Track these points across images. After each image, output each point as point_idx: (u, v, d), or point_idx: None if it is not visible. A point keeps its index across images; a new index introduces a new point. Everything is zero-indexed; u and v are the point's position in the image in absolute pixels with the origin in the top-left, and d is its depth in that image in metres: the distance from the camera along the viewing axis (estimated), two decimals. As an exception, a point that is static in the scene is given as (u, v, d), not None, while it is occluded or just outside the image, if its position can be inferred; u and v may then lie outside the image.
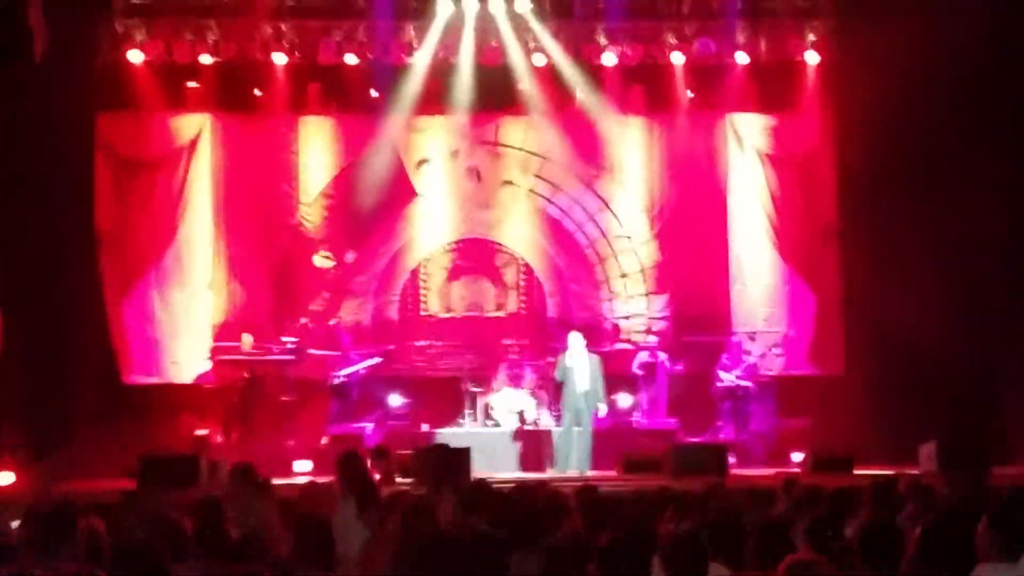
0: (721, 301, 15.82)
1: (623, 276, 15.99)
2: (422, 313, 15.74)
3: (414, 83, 15.25)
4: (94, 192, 14.75)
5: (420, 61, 15.16)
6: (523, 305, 15.89)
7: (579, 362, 12.90)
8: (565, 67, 15.37)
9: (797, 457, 13.13)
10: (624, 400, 14.34)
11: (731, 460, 12.75)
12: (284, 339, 14.26)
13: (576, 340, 12.99)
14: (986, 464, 10.74)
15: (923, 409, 14.14)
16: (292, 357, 14.02)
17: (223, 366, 14.21)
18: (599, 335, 15.71)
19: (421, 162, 15.90)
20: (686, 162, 15.98)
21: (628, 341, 15.65)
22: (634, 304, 15.95)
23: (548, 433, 13.53)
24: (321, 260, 15.56)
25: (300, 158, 15.66)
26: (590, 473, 12.60)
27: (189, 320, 15.14)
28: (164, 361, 15.01)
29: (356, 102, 15.54)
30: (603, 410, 13.17)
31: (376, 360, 14.35)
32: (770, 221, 15.86)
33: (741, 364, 14.26)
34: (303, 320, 15.09)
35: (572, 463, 12.69)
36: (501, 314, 15.88)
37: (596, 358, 13.15)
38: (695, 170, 15.98)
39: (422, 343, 15.58)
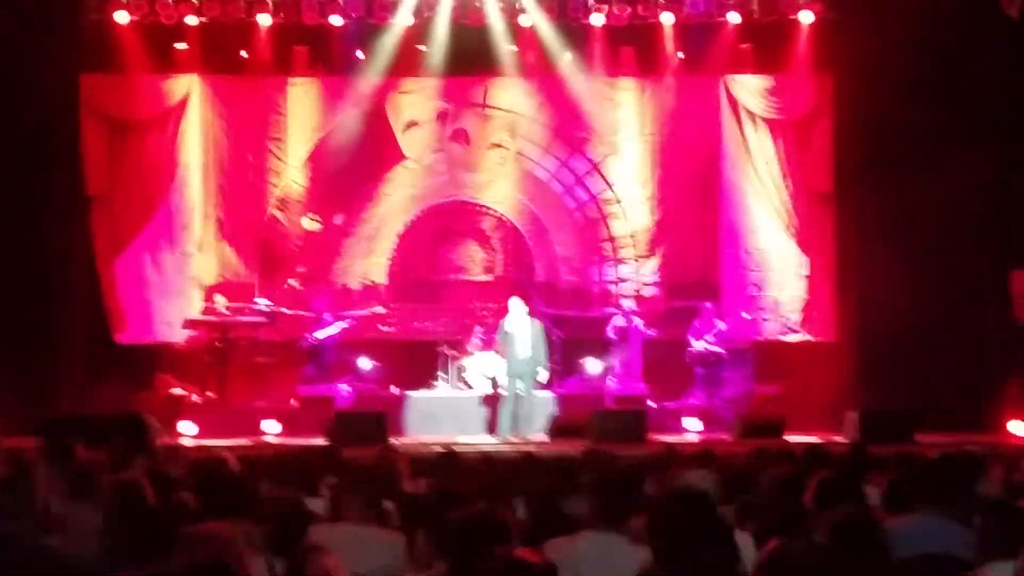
0: (712, 266, 15.59)
1: (612, 240, 15.81)
2: (408, 276, 15.70)
3: (399, 45, 15.14)
4: (83, 153, 14.87)
5: (404, 22, 15.03)
6: (510, 269, 15.78)
7: (520, 327, 12.73)
8: (552, 28, 15.15)
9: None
10: (593, 366, 14.18)
11: (698, 426, 12.65)
12: (258, 300, 14.29)
13: (516, 305, 12.84)
14: (907, 432, 10.75)
15: (911, 376, 13.96)
16: (263, 319, 14.05)
17: (198, 327, 14.29)
18: (587, 300, 15.62)
19: (408, 124, 15.81)
20: (677, 125, 15.72)
21: (617, 306, 15.47)
22: (623, 268, 15.77)
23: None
24: (309, 222, 15.58)
25: (287, 120, 15.65)
26: (516, 439, 12.47)
27: (180, 281, 15.25)
28: (156, 322, 15.13)
29: (342, 64, 15.47)
30: (543, 376, 13.05)
31: (349, 323, 14.32)
32: (763, 185, 15.54)
33: (713, 330, 14.02)
34: (290, 281, 15.15)
35: (514, 428, 12.58)
36: (488, 278, 15.80)
37: (538, 323, 13.00)
38: (686, 133, 15.71)
39: (405, 306, 15.56)
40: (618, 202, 15.78)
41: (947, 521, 4.59)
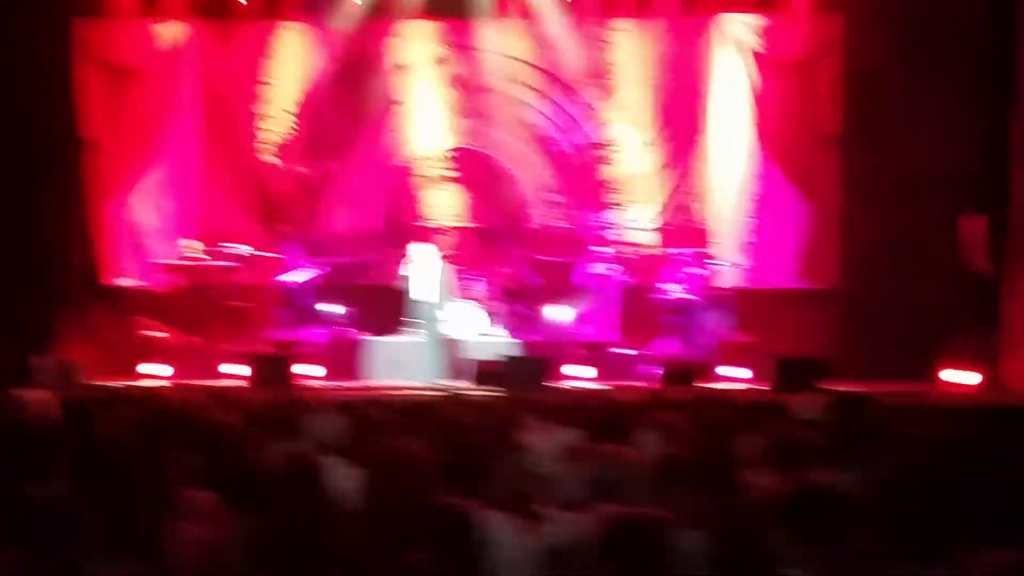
0: (710, 212, 15.09)
1: (608, 186, 15.39)
2: (399, 222, 15.52)
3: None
4: (75, 97, 14.99)
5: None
6: (502, 216, 15.49)
7: (422, 272, 12.38)
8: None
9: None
10: (563, 312, 13.85)
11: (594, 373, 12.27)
12: (232, 245, 14.28)
13: (419, 250, 12.51)
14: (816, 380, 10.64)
15: (910, 325, 13.39)
16: (237, 264, 14.05)
17: (172, 271, 14.37)
18: (582, 245, 15.24)
19: (401, 68, 15.58)
20: (675, 67, 15.20)
21: (617, 252, 15.05)
22: (619, 214, 15.35)
23: (460, 343, 13.23)
24: (300, 168, 15.51)
25: (280, 64, 15.56)
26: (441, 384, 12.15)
27: (171, 226, 15.33)
28: (145, 266, 15.25)
29: (333, 7, 15.27)
30: (447, 321, 12.77)
31: (324, 270, 14.23)
32: (764, 129, 14.94)
33: (690, 276, 13.53)
34: (277, 228, 15.13)
35: (426, 373, 12.32)
36: (480, 224, 15.52)
37: (445, 267, 12.64)
38: (684, 75, 15.19)
39: (396, 252, 15.38)
40: (614, 146, 15.34)
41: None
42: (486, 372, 11.58)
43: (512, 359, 11.62)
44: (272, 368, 11.12)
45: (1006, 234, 12.44)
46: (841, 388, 10.00)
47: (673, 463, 4.21)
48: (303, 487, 3.77)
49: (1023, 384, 11.96)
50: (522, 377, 10.59)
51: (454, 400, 7.08)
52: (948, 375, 12.53)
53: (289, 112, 15.51)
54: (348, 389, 9.67)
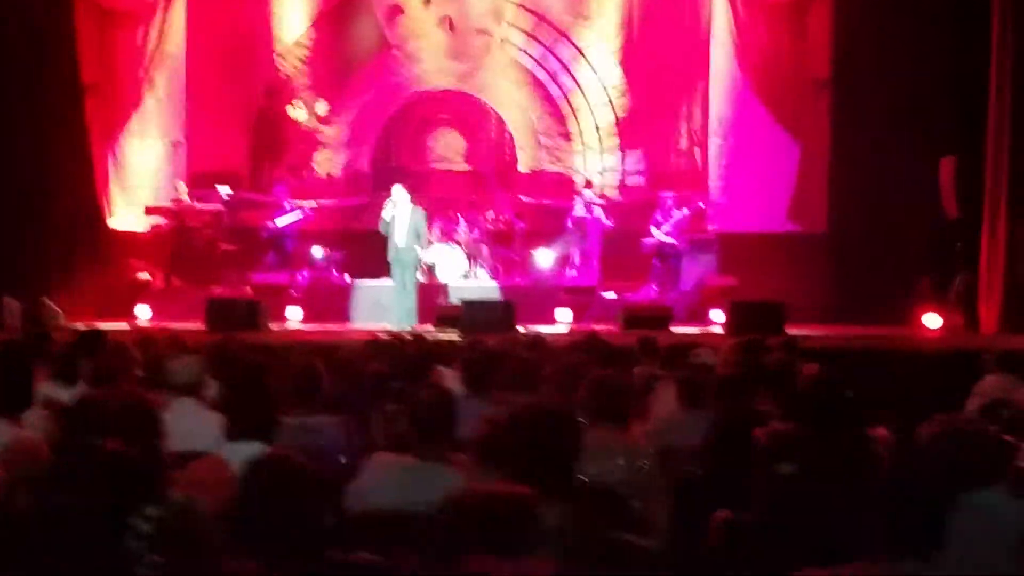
0: (698, 156, 15.07)
1: (597, 129, 15.37)
2: (390, 165, 15.60)
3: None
4: (76, 41, 15.06)
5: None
6: (493, 159, 15.53)
7: (400, 215, 12.45)
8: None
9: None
10: (546, 257, 13.92)
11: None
12: (219, 187, 14.41)
13: (399, 193, 12.55)
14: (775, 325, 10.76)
15: (893, 270, 13.40)
16: (223, 207, 14.20)
17: (160, 214, 14.55)
18: (571, 189, 15.28)
19: (394, 10, 15.54)
20: (666, 9, 15.09)
21: (602, 196, 15.10)
22: (608, 159, 15.36)
23: (445, 287, 13.34)
24: (293, 111, 15.58)
25: (274, 7, 15.56)
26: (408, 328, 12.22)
27: (169, 169, 15.46)
28: (138, 207, 15.38)
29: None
30: (421, 265, 12.87)
31: (305, 213, 14.35)
32: (753, 71, 14.85)
33: (670, 220, 13.54)
34: (271, 171, 15.25)
35: (400, 318, 12.42)
36: (471, 168, 15.59)
37: (419, 211, 12.67)
38: (675, 18, 15.11)
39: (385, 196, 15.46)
40: (604, 89, 15.30)
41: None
42: (446, 316, 11.69)
43: (470, 304, 11.71)
44: (227, 311, 11.29)
45: (983, 177, 12.38)
46: (800, 332, 10.09)
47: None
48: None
49: (996, 327, 11.96)
50: (481, 322, 10.66)
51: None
52: (927, 319, 12.52)
53: (282, 54, 15.54)
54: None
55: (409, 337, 7.80)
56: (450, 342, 7.54)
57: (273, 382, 4.48)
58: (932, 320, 12.49)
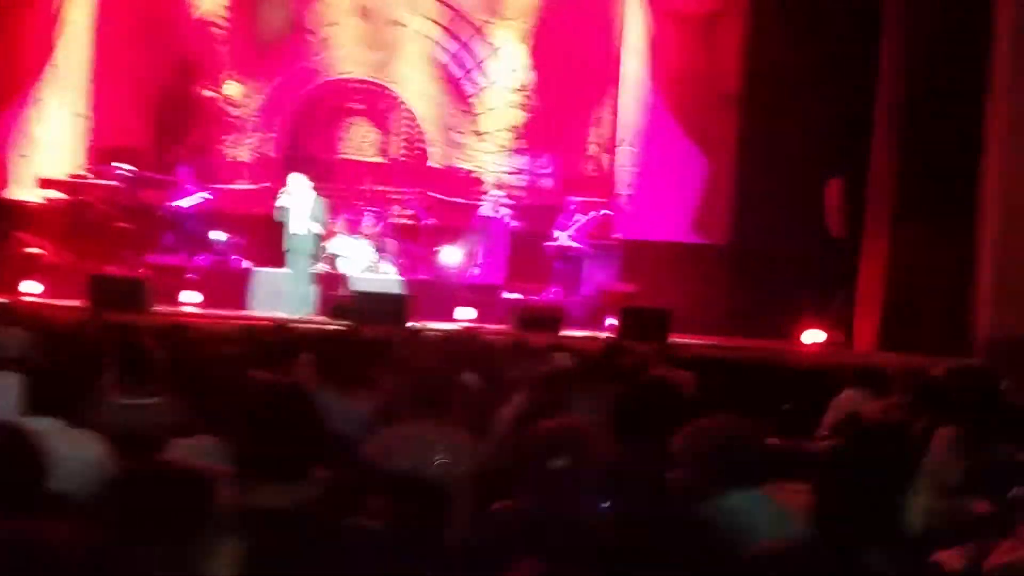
0: (605, 162, 15.15)
1: (509, 129, 15.36)
2: (299, 152, 15.43)
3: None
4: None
5: None
6: (403, 153, 15.45)
7: (296, 204, 12.34)
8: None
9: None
10: (451, 254, 13.89)
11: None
12: (118, 165, 14.15)
13: (295, 180, 12.46)
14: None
15: (782, 284, 13.58)
16: (121, 184, 13.93)
17: (54, 187, 14.23)
18: (479, 189, 15.25)
19: (314, -2, 15.37)
20: (579, 15, 15.14)
21: (510, 197, 15.09)
22: (517, 160, 15.36)
23: (345, 278, 13.23)
24: (202, 90, 15.33)
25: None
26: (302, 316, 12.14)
27: (68, 141, 15.12)
28: (33, 179, 15.01)
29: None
30: (323, 255, 12.79)
31: (214, 196, 14.15)
32: (663, 82, 14.93)
33: (572, 225, 13.59)
34: (175, 151, 14.99)
35: (294, 306, 12.33)
36: (381, 160, 15.48)
37: (320, 201, 12.61)
38: (588, 24, 15.16)
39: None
40: (517, 90, 15.30)
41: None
42: (339, 307, 11.60)
43: (363, 295, 11.63)
44: (110, 289, 11.08)
45: (864, 198, 12.66)
46: (685, 340, 10.16)
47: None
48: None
49: (872, 345, 12.22)
50: (375, 314, 10.58)
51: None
52: (808, 335, 12.75)
53: (197, 34, 15.26)
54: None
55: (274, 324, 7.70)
56: (319, 331, 7.43)
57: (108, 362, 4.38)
58: (814, 336, 12.72)
